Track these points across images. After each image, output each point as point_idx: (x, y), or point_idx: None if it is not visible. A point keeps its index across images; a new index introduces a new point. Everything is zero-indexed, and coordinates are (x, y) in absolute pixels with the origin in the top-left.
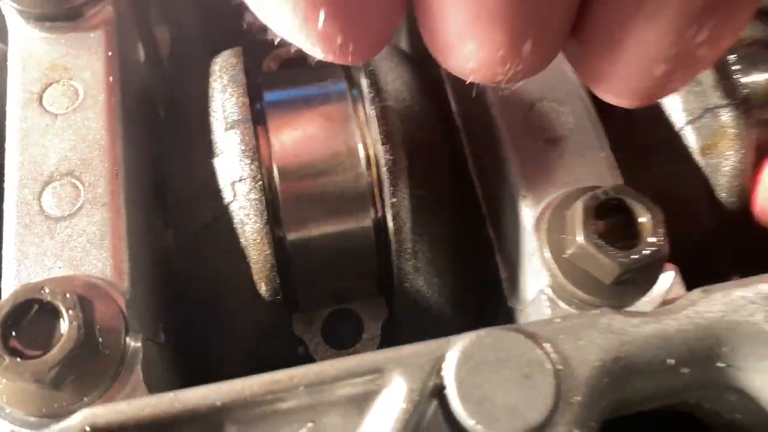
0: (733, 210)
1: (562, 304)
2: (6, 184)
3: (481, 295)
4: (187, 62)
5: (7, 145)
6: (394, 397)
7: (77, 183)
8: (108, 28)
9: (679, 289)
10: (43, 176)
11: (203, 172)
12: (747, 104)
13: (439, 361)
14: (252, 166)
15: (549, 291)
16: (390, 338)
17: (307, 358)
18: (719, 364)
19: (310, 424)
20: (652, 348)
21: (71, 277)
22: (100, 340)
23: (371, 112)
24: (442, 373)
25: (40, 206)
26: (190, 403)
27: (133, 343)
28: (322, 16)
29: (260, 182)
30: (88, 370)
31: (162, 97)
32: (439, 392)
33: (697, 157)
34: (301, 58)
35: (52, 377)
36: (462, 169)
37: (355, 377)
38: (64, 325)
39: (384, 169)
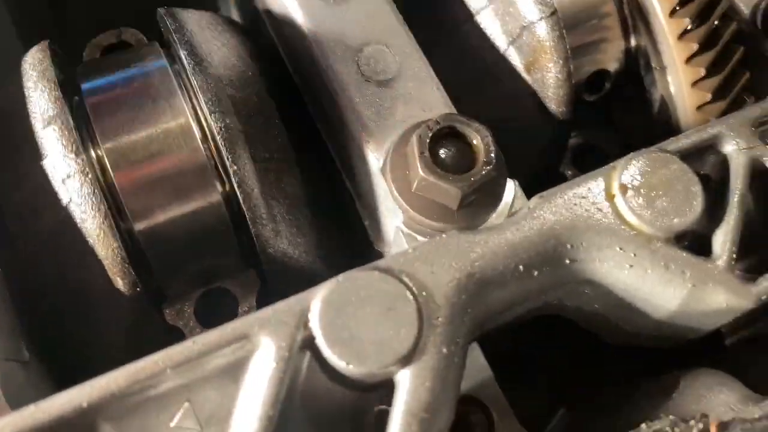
0: (564, 119)
1: (418, 237)
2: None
3: (351, 245)
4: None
5: None
6: (265, 358)
7: None
8: None
9: (522, 200)
10: None
11: (35, 177)
12: (557, 16)
13: (303, 314)
14: (78, 160)
15: (403, 227)
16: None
17: None
18: (566, 261)
19: (186, 404)
20: (501, 258)
21: None
22: None
23: (195, 82)
24: (309, 324)
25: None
26: (54, 411)
27: None
28: None
29: (89, 175)
30: None
31: None
32: (310, 344)
33: (525, 75)
34: (123, 42)
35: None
36: (310, 127)
37: (222, 348)
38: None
39: (219, 138)
